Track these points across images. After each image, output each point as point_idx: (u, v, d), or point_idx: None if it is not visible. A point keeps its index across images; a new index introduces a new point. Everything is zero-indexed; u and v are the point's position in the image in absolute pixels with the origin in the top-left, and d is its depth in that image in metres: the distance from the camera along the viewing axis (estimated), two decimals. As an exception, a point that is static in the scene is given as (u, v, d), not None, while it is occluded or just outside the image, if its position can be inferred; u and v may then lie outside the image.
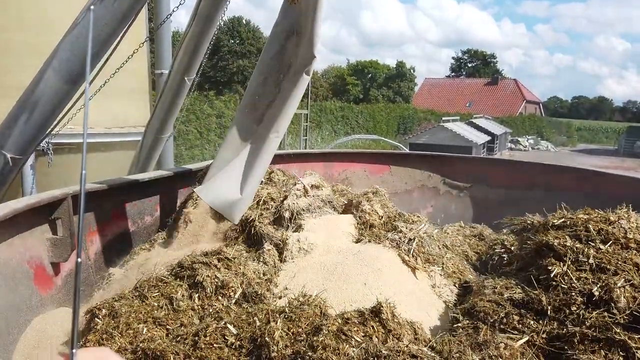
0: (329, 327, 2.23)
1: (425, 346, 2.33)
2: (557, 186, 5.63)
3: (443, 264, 3.64)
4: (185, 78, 5.77)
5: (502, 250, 3.83)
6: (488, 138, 29.47)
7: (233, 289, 2.86)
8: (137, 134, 8.08)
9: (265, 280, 3.07)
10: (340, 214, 4.27)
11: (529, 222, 3.78)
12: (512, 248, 3.69)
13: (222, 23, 6.14)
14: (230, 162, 3.86)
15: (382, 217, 4.13)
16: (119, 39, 4.02)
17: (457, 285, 3.42)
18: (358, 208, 4.17)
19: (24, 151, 4.10)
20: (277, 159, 6.39)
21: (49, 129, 4.20)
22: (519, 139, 41.22)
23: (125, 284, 3.07)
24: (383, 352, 2.00)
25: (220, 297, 2.82)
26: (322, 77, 59.42)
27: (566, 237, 2.85)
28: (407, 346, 2.07)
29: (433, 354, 2.11)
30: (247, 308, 2.66)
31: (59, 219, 3.09)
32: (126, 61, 5.41)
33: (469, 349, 2.21)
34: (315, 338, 2.15)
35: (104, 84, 5.35)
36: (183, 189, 4.60)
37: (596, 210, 3.23)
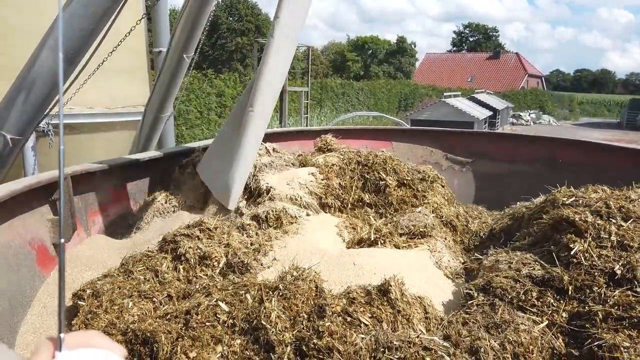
0: (333, 308, 2.13)
1: (437, 325, 2.24)
2: (561, 160, 5.60)
3: (444, 237, 3.65)
4: (184, 55, 5.69)
5: (511, 222, 3.73)
6: (490, 113, 29.23)
7: (216, 258, 2.87)
8: (137, 114, 8.01)
9: (253, 250, 3.07)
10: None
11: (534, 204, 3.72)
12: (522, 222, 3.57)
13: (220, 0, 6.02)
14: (225, 143, 3.83)
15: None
16: (114, 16, 3.94)
17: (462, 260, 3.38)
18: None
19: (23, 132, 4.06)
20: (278, 136, 6.38)
21: (48, 109, 4.15)
22: (521, 113, 40.90)
23: (116, 260, 3.07)
24: (394, 342, 1.89)
25: (204, 268, 2.83)
26: (322, 53, 58.76)
27: (587, 212, 2.74)
28: (418, 337, 1.95)
29: (446, 345, 1.98)
30: (234, 280, 2.62)
31: (59, 199, 3.07)
32: (123, 39, 5.33)
33: (486, 331, 2.11)
34: (321, 322, 2.03)
35: (101, 63, 5.28)
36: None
37: (603, 187, 3.20)
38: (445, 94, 31.40)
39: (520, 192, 5.21)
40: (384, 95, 35.44)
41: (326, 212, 4.05)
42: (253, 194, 3.96)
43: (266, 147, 4.60)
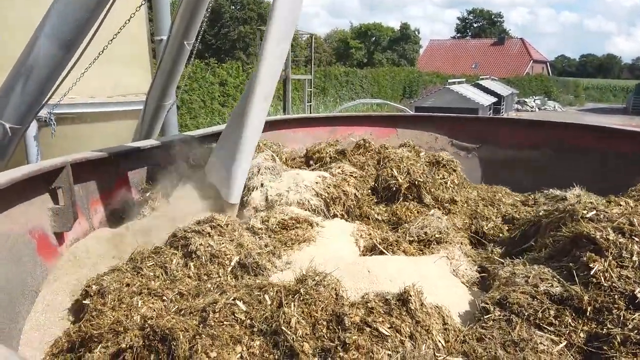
0: (351, 317, 2.08)
1: (455, 337, 2.19)
2: (568, 144, 5.52)
3: (460, 243, 3.58)
4: (185, 42, 5.61)
5: (528, 227, 3.62)
6: (494, 99, 29.01)
7: (228, 257, 2.82)
8: (139, 103, 7.94)
9: (267, 252, 3.03)
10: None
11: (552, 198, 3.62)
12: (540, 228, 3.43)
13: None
14: (229, 137, 3.77)
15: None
16: (109, 5, 3.86)
17: (477, 269, 3.30)
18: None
19: (22, 120, 4.02)
20: (282, 124, 6.32)
21: (47, 97, 4.10)
22: (526, 99, 40.59)
23: (123, 254, 3.02)
24: None
25: (216, 266, 2.78)
26: (325, 41, 58.35)
27: (609, 229, 2.63)
28: (444, 358, 1.92)
29: None
30: (250, 281, 2.57)
31: (59, 187, 3.03)
32: (123, 26, 5.26)
33: (503, 349, 2.06)
34: (347, 335, 1.98)
35: (101, 51, 5.22)
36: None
37: (627, 199, 3.12)
38: (449, 80, 31.19)
39: (527, 178, 5.15)
40: (387, 83, 35.22)
41: (336, 218, 4.01)
42: (259, 198, 3.90)
43: (272, 154, 4.58)
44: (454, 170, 4.68)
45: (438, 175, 4.51)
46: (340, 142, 5.97)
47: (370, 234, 3.64)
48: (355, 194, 4.16)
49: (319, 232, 3.47)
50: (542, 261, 2.83)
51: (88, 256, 3.11)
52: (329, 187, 4.06)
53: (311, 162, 5.26)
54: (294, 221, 3.45)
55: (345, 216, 4.04)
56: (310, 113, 18.91)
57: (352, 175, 4.39)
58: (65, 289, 2.76)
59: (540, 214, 3.61)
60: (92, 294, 2.51)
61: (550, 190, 4.49)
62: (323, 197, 3.98)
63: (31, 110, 4.06)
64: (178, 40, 5.51)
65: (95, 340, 2.14)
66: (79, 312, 2.56)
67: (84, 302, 2.53)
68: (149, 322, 2.04)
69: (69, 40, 3.65)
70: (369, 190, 4.46)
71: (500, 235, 3.99)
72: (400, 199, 4.25)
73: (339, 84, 30.52)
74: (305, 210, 3.81)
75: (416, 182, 4.26)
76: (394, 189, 4.29)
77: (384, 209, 4.24)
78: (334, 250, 3.30)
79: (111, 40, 5.21)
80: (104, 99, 8.13)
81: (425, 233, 3.57)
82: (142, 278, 2.62)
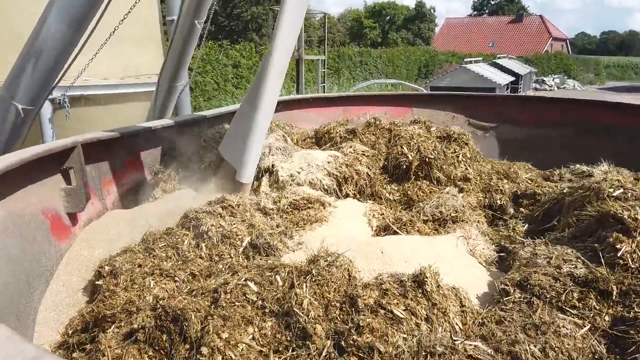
0: (365, 299, 2.02)
1: (473, 320, 2.12)
2: (589, 122, 5.35)
3: (477, 222, 3.50)
4: (196, 22, 5.53)
5: (552, 204, 3.49)
6: (512, 78, 28.44)
7: (240, 237, 2.79)
8: (151, 84, 7.92)
9: (279, 232, 2.99)
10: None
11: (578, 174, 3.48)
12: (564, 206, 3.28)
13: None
14: (243, 116, 3.71)
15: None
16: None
17: (495, 248, 3.20)
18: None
19: (34, 101, 4.00)
20: (294, 104, 6.24)
21: (58, 78, 4.07)
22: (545, 78, 39.74)
23: (136, 236, 3.00)
24: (437, 349, 1.78)
25: (227, 246, 2.75)
26: (338, 21, 57.62)
27: (637, 208, 2.51)
28: (462, 343, 1.84)
29: (490, 353, 1.84)
30: (261, 261, 2.53)
31: (71, 168, 3.01)
32: (133, 6, 5.20)
33: (523, 332, 1.97)
34: (361, 317, 1.92)
35: (112, 32, 5.17)
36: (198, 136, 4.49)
37: None
38: (465, 60, 30.61)
39: (549, 158, 5.01)
40: (402, 63, 34.72)
41: (348, 198, 3.94)
42: (271, 179, 3.86)
43: (283, 135, 4.54)
44: (466, 144, 4.60)
45: (449, 150, 4.42)
46: (353, 121, 5.88)
47: (383, 213, 3.58)
48: (367, 173, 4.09)
49: (331, 212, 3.42)
50: (565, 241, 2.73)
51: (101, 237, 3.10)
52: (341, 167, 4.00)
53: (321, 142, 5.20)
54: (305, 201, 3.40)
55: (358, 196, 3.98)
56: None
57: (364, 154, 4.32)
58: (79, 270, 2.76)
59: (565, 191, 3.48)
60: (104, 274, 2.51)
61: (577, 165, 4.35)
62: (335, 176, 3.92)
63: (43, 91, 4.04)
64: (189, 20, 5.43)
65: (109, 320, 2.13)
66: (93, 293, 2.56)
67: (96, 282, 2.52)
68: (160, 302, 2.02)
69: (78, 18, 3.60)
70: (381, 170, 4.39)
71: (513, 209, 3.89)
72: (412, 178, 4.18)
73: (353, 65, 30.17)
74: (317, 190, 3.76)
75: (427, 160, 4.18)
76: (404, 166, 4.22)
77: (396, 188, 4.18)
78: (347, 231, 3.25)
79: (122, 21, 5.16)
80: (117, 80, 8.12)
81: (441, 212, 3.50)
82: (154, 259, 2.60)
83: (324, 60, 19.03)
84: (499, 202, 4.05)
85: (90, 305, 2.37)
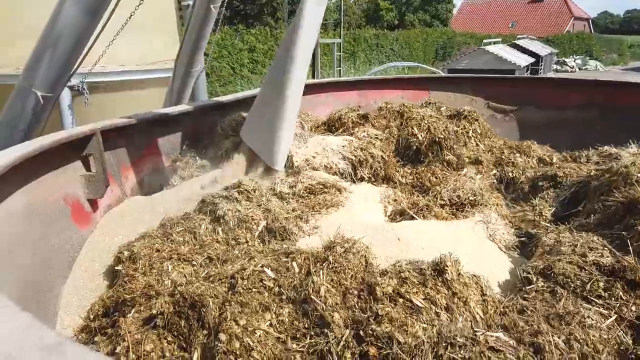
0: (383, 288, 1.99)
1: (494, 309, 2.06)
2: (613, 104, 5.20)
3: (496, 205, 3.43)
4: (211, 6, 5.50)
5: (577, 188, 3.37)
6: (532, 60, 27.84)
7: (256, 221, 2.79)
8: (168, 70, 7.94)
9: (295, 216, 2.98)
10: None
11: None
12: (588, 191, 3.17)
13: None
14: (268, 103, 3.69)
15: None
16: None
17: (516, 232, 3.11)
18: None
19: (53, 88, 4.03)
20: (308, 89, 6.17)
21: (76, 65, 4.09)
22: (566, 59, 38.83)
23: (155, 221, 3.02)
24: (458, 340, 1.73)
25: (244, 230, 2.75)
26: (354, 4, 56.85)
27: None
28: (483, 334, 1.78)
29: (513, 345, 1.79)
30: (277, 246, 2.53)
31: (90, 155, 3.03)
32: (149, -8, 5.18)
33: (546, 322, 1.92)
34: (380, 306, 1.89)
35: (129, 18, 5.17)
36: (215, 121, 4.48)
37: None
38: (484, 41, 30.02)
39: (572, 142, 4.88)
40: (419, 45, 34.22)
41: (364, 182, 3.91)
42: (287, 164, 3.84)
43: (299, 121, 4.55)
44: (476, 120, 4.54)
45: (459, 127, 4.35)
46: (369, 105, 5.82)
47: (397, 199, 3.55)
48: (382, 155, 4.04)
49: (347, 197, 3.40)
50: (590, 228, 2.65)
51: (121, 223, 3.13)
52: (356, 150, 3.97)
53: (333, 128, 5.17)
54: (321, 186, 3.39)
55: (373, 179, 3.96)
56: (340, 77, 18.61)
57: (377, 138, 4.27)
58: (100, 256, 2.80)
59: (592, 174, 3.37)
60: (124, 260, 2.53)
61: (605, 147, 4.24)
62: (350, 160, 3.90)
63: (61, 78, 4.07)
64: (204, 4, 5.41)
65: (129, 304, 2.16)
66: (113, 278, 2.59)
67: (116, 268, 2.55)
68: (178, 288, 2.03)
69: (94, 5, 3.60)
70: (393, 152, 4.34)
71: (535, 192, 3.80)
72: (424, 160, 4.13)
73: (369, 48, 29.83)
74: (333, 174, 3.74)
75: (437, 139, 4.12)
76: (415, 147, 4.17)
77: (409, 171, 4.14)
78: (363, 215, 3.23)
79: (137, 7, 5.15)
80: (134, 66, 8.16)
81: (459, 196, 3.43)
82: (171, 243, 2.62)
83: (340, 43, 18.83)
84: (510, 174, 3.98)
85: (110, 291, 2.40)
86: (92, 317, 2.25)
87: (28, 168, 2.41)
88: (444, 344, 1.73)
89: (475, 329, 1.82)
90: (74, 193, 2.94)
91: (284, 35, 3.83)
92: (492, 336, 1.78)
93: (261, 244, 2.74)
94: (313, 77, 17.02)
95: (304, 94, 3.87)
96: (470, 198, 3.40)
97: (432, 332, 1.79)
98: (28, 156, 2.34)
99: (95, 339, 2.04)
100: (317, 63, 16.77)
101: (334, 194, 3.37)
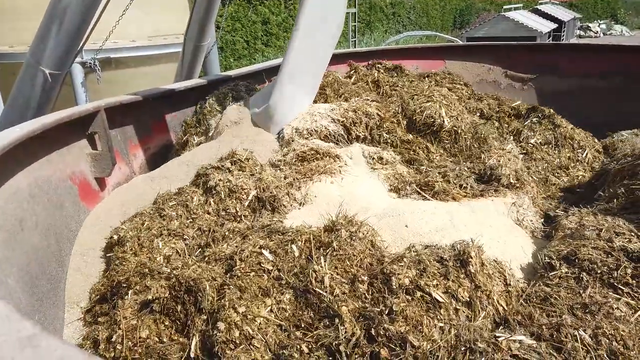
0: (400, 279, 1.82)
1: (518, 299, 1.91)
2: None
3: (532, 186, 3.19)
4: (219, -23, 5.37)
5: (599, 174, 3.20)
6: (554, 26, 26.95)
7: (245, 191, 2.72)
8: (180, 45, 7.86)
9: (286, 184, 2.91)
10: None
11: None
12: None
13: None
14: (294, 74, 3.64)
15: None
16: None
17: (542, 215, 2.91)
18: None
19: (61, 65, 3.99)
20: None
21: (82, 41, 4.04)
22: (590, 24, 37.49)
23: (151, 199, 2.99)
24: (479, 345, 1.58)
25: (233, 200, 2.70)
26: (370, -29, 55.40)
27: None
28: (506, 340, 1.62)
29: (538, 351, 1.61)
30: (267, 220, 2.44)
31: (95, 133, 3.00)
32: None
33: (570, 313, 1.79)
34: (395, 300, 1.74)
35: (136, -9, 5.08)
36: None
37: None
38: (505, 7, 29.09)
39: (596, 114, 4.67)
40: (437, 13, 33.33)
41: (358, 143, 3.70)
42: (278, 137, 3.73)
43: None
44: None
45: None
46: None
47: (402, 173, 3.29)
48: (377, 113, 3.80)
49: (342, 167, 3.20)
50: (614, 212, 2.47)
51: (127, 201, 3.11)
52: (346, 112, 3.74)
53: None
54: (314, 152, 3.26)
55: (369, 137, 3.72)
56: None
57: (374, 101, 4.02)
58: (104, 235, 2.79)
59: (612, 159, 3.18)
60: (113, 243, 2.51)
61: (624, 134, 4.04)
62: (341, 122, 3.70)
63: (69, 55, 4.03)
64: (212, -25, 5.28)
65: (124, 285, 2.12)
66: (109, 264, 2.56)
67: (107, 255, 2.52)
68: (174, 272, 1.98)
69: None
70: (404, 120, 4.01)
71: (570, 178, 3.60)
72: (436, 141, 3.87)
73: (385, 17, 29.15)
74: (324, 137, 3.59)
75: (459, 131, 3.89)
76: (435, 128, 3.87)
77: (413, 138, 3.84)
78: (360, 189, 3.02)
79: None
80: (145, 42, 8.08)
81: (497, 174, 3.07)
82: (162, 220, 2.58)
83: (355, 13, 18.44)
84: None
85: (104, 278, 2.37)
86: (93, 300, 2.24)
87: (31, 147, 2.39)
88: (462, 349, 1.60)
89: (496, 334, 1.67)
90: (82, 172, 2.92)
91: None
92: (514, 341, 1.63)
93: (252, 215, 2.69)
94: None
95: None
96: (511, 180, 3.08)
97: (450, 335, 1.65)
98: (31, 135, 2.32)
99: (99, 319, 2.04)
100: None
101: (327, 161, 3.19)
